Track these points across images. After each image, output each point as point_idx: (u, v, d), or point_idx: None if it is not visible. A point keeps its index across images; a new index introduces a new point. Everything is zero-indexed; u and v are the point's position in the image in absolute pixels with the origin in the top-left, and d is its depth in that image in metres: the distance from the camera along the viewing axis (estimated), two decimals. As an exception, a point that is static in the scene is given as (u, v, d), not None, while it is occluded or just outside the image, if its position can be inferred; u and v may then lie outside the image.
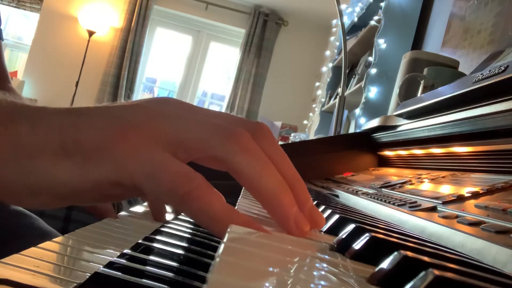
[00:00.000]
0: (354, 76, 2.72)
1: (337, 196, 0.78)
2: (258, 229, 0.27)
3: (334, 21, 3.75)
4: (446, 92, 0.72)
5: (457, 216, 0.42)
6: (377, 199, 0.61)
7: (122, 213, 0.50)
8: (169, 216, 0.51)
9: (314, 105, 4.24)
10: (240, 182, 0.30)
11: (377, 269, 0.22)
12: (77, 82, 4.75)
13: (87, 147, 0.26)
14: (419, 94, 1.04)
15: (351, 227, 0.30)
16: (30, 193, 0.27)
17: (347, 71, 1.92)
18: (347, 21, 2.97)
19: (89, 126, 0.27)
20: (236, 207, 0.39)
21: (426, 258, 0.21)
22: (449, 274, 0.17)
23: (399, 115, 0.94)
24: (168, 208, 0.54)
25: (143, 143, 0.27)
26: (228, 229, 0.25)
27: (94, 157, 0.26)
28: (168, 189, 0.26)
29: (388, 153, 1.04)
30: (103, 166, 0.26)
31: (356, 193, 0.73)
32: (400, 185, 0.68)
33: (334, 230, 0.34)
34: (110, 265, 0.27)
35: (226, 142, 0.28)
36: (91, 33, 4.77)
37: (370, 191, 0.72)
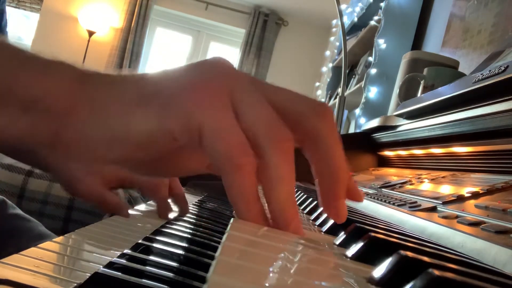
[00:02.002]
0: (354, 76, 2.72)
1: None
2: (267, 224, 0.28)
3: (334, 21, 3.75)
4: (446, 92, 0.72)
5: (457, 216, 0.42)
6: (377, 199, 0.61)
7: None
8: (167, 217, 0.51)
9: (314, 105, 4.23)
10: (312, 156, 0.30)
11: (377, 269, 0.22)
12: (77, 82, 4.75)
13: (164, 96, 0.27)
14: (419, 94, 1.04)
15: (351, 227, 0.30)
16: (107, 145, 0.27)
17: (347, 71, 1.92)
18: (347, 21, 2.97)
19: (168, 78, 0.28)
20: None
21: (426, 258, 0.21)
22: (449, 274, 0.17)
23: (399, 115, 0.94)
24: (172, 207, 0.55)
25: (219, 100, 0.27)
26: (228, 229, 0.25)
27: (171, 105, 0.27)
28: (225, 152, 0.26)
29: (388, 153, 1.04)
30: (178, 113, 0.26)
31: (356, 193, 0.73)
32: (400, 185, 0.68)
33: (334, 230, 0.34)
34: (110, 265, 0.27)
35: (321, 117, 0.29)
36: (91, 33, 4.77)
37: (370, 191, 0.72)
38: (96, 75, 0.29)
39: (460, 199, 0.48)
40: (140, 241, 0.33)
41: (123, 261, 0.28)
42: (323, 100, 3.54)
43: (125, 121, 0.27)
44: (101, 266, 0.27)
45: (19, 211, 0.68)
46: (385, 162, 1.07)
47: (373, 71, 2.03)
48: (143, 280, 0.26)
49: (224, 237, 0.23)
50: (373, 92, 2.04)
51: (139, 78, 0.28)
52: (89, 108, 0.27)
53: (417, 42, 2.04)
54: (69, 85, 0.27)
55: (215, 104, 0.27)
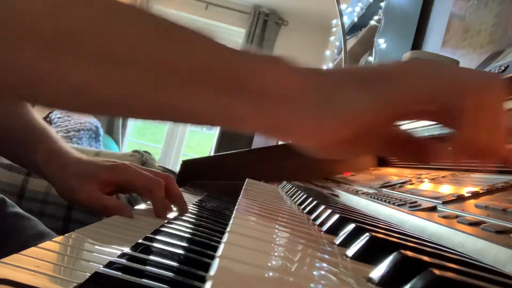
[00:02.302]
0: (354, 76, 2.72)
1: (337, 196, 0.78)
2: None
3: (334, 21, 3.75)
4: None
5: (457, 216, 0.42)
6: (377, 199, 0.61)
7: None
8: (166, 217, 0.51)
9: (314, 105, 4.23)
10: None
11: (377, 268, 0.22)
12: (77, 82, 4.75)
13: (383, 76, 0.30)
14: (419, 94, 1.04)
15: (351, 226, 0.30)
16: (330, 119, 0.29)
17: (347, 71, 1.92)
18: (347, 21, 2.96)
19: (379, 66, 0.32)
20: (236, 207, 0.39)
21: (426, 258, 0.21)
22: (449, 274, 0.17)
23: (399, 115, 0.94)
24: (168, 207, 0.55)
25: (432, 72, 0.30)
26: (228, 229, 0.25)
27: (392, 80, 0.30)
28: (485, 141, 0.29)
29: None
30: (396, 88, 0.29)
31: (356, 193, 0.73)
32: (400, 185, 0.68)
33: (334, 229, 0.34)
34: (110, 265, 0.27)
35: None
36: (91, 33, 4.77)
37: (370, 191, 0.72)
38: (309, 68, 0.32)
39: (460, 199, 0.48)
40: (140, 241, 0.33)
41: (123, 260, 0.28)
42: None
43: (346, 101, 0.29)
44: (101, 266, 0.27)
45: (18, 209, 0.68)
46: (385, 162, 1.07)
47: (373, 71, 2.03)
48: (143, 280, 0.26)
49: (225, 236, 0.23)
50: (373, 92, 2.04)
51: (352, 68, 0.33)
52: (315, 93, 0.30)
53: (417, 42, 2.04)
54: (292, 74, 0.31)
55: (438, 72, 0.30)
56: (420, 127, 0.81)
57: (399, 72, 0.30)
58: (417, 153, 0.34)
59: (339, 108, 0.29)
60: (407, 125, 0.89)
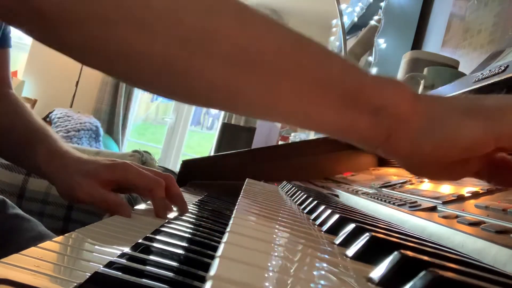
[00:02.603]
0: (354, 76, 2.72)
1: (337, 196, 0.78)
2: None
3: (334, 21, 3.75)
4: (446, 92, 0.72)
5: (457, 216, 0.42)
6: (377, 199, 0.61)
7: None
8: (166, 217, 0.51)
9: (314, 105, 4.23)
10: None
11: (377, 268, 0.22)
12: (77, 82, 4.75)
13: (489, 110, 0.33)
14: (419, 94, 1.04)
15: (351, 226, 0.30)
16: (432, 148, 0.33)
17: (347, 71, 1.91)
18: (347, 21, 2.96)
19: (488, 100, 0.34)
20: (236, 207, 0.39)
21: (426, 258, 0.21)
22: (449, 274, 0.17)
23: (399, 115, 0.94)
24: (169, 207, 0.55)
25: None
26: (228, 229, 0.25)
27: (495, 117, 0.33)
28: None
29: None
30: (502, 123, 0.32)
31: (356, 193, 0.73)
32: (400, 185, 0.68)
33: (334, 229, 0.34)
34: (110, 264, 0.27)
35: None
36: (91, 33, 4.77)
37: (370, 191, 0.72)
38: (423, 94, 0.37)
39: (460, 199, 0.48)
40: (140, 241, 0.33)
41: (123, 260, 0.28)
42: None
43: (455, 129, 0.33)
44: (101, 266, 0.27)
45: (19, 211, 0.68)
46: (385, 162, 1.07)
47: (373, 71, 2.03)
48: (143, 279, 0.26)
49: (225, 236, 0.23)
50: (373, 92, 2.03)
51: (462, 98, 0.36)
52: (426, 117, 0.33)
53: (417, 42, 2.04)
54: (409, 97, 0.34)
55: None
56: None
57: (504, 107, 0.33)
58: None
59: (447, 133, 0.32)
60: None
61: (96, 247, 0.33)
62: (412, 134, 0.33)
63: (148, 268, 0.28)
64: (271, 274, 0.18)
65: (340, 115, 0.33)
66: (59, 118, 3.77)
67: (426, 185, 0.64)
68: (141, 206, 0.57)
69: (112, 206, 0.51)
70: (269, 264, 0.20)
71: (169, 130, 5.17)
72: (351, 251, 0.26)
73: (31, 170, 0.69)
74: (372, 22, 2.28)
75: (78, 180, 0.55)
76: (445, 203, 0.48)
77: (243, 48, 0.31)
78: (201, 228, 0.44)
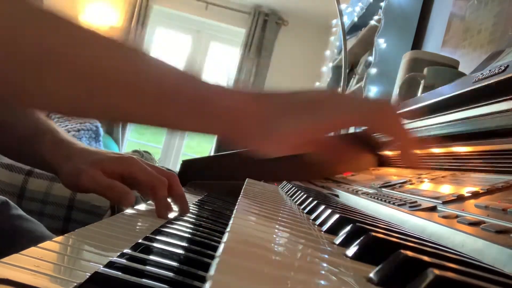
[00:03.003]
0: (354, 76, 2.72)
1: (337, 196, 0.78)
2: None
3: (334, 21, 3.75)
4: (446, 92, 0.72)
5: (457, 216, 0.42)
6: (377, 199, 0.61)
7: (123, 212, 0.50)
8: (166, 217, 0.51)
9: (314, 105, 4.23)
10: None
11: (377, 268, 0.22)
12: (77, 82, 4.74)
13: (313, 103, 0.40)
14: (419, 94, 1.04)
15: (351, 226, 0.30)
16: (275, 139, 0.40)
17: (347, 71, 1.92)
18: (347, 21, 2.96)
19: (309, 93, 0.42)
20: (236, 207, 0.39)
21: (426, 258, 0.21)
22: (449, 274, 0.17)
23: (399, 115, 0.94)
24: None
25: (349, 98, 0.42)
26: (228, 229, 0.25)
27: (319, 108, 0.40)
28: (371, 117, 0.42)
29: (388, 152, 1.04)
30: (321, 113, 0.39)
31: (356, 193, 0.73)
32: (400, 185, 0.68)
33: (334, 229, 0.34)
34: (110, 264, 0.27)
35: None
36: (91, 33, 4.77)
37: (370, 191, 0.72)
38: (262, 92, 0.42)
39: (460, 198, 0.48)
40: (140, 241, 0.33)
41: (123, 260, 0.28)
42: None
43: (286, 123, 0.39)
44: (101, 266, 0.27)
45: (21, 212, 0.68)
46: (385, 162, 1.07)
47: (373, 70, 2.03)
48: (143, 279, 0.26)
49: (225, 236, 0.23)
50: (373, 91, 2.04)
51: (288, 96, 0.42)
52: (256, 119, 0.40)
53: (417, 42, 2.04)
54: (244, 102, 0.40)
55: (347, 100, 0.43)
56: (420, 126, 0.81)
57: (322, 100, 0.41)
58: (343, 152, 0.49)
59: (279, 129, 0.39)
60: (408, 125, 0.89)
61: (96, 247, 0.33)
62: (247, 132, 0.40)
63: (148, 268, 0.28)
64: (271, 274, 0.18)
65: (192, 120, 0.40)
66: (59, 118, 3.77)
67: (426, 185, 0.64)
68: (141, 206, 0.57)
69: (117, 193, 0.52)
70: (269, 264, 0.20)
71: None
72: (351, 251, 0.26)
73: (35, 164, 0.69)
74: (372, 22, 2.28)
75: (83, 167, 0.55)
76: (445, 203, 0.48)
77: (87, 67, 0.36)
78: (201, 228, 0.44)
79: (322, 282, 0.19)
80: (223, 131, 0.41)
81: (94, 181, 0.54)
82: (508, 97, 0.55)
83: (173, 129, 0.42)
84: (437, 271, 0.17)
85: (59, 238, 0.32)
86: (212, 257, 0.29)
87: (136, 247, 0.32)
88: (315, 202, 0.47)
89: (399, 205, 0.54)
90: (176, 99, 0.39)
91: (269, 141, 0.40)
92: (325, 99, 0.41)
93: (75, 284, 0.24)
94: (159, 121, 0.41)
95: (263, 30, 5.05)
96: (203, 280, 0.26)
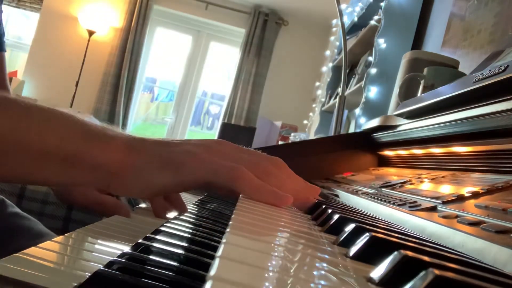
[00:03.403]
0: (354, 76, 2.72)
1: (337, 195, 0.78)
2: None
3: (334, 21, 3.75)
4: (446, 92, 0.72)
5: (457, 216, 0.42)
6: (377, 199, 0.61)
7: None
8: (167, 217, 0.51)
9: (314, 105, 4.24)
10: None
11: (377, 268, 0.22)
12: (77, 82, 4.75)
13: (176, 163, 0.43)
14: (419, 94, 1.04)
15: (351, 226, 0.30)
16: (140, 191, 0.44)
17: (347, 71, 1.92)
18: (347, 21, 2.97)
19: (175, 151, 0.44)
20: (236, 207, 0.39)
21: (426, 258, 0.21)
22: (449, 274, 0.17)
23: (399, 115, 0.94)
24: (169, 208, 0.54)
25: (207, 160, 0.44)
26: (228, 229, 0.25)
27: (178, 168, 0.43)
28: (223, 177, 0.42)
29: (388, 153, 1.04)
30: (184, 172, 0.43)
31: (356, 193, 0.73)
32: (400, 185, 0.68)
33: (334, 229, 0.34)
34: (110, 265, 0.27)
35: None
36: (91, 33, 4.77)
37: (370, 191, 0.72)
38: (137, 143, 0.45)
39: (460, 198, 0.48)
40: (140, 241, 0.33)
41: (123, 260, 0.28)
42: (323, 100, 3.55)
43: (152, 178, 0.43)
44: (101, 266, 0.27)
45: (17, 210, 0.68)
46: (385, 162, 1.07)
47: (373, 70, 2.03)
48: (143, 279, 0.26)
49: (225, 236, 0.23)
50: (373, 91, 2.04)
51: (164, 146, 0.45)
52: (132, 172, 0.43)
53: (417, 41, 2.04)
54: (120, 155, 0.43)
55: (206, 161, 0.44)
56: (420, 127, 0.81)
57: (185, 158, 0.43)
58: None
59: (145, 182, 0.43)
60: (408, 125, 0.89)
61: (96, 247, 0.33)
62: (123, 183, 0.43)
63: (148, 268, 0.28)
64: (271, 274, 0.18)
65: (62, 177, 0.42)
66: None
67: (426, 185, 0.64)
68: (141, 206, 0.57)
69: (110, 209, 0.52)
70: (269, 264, 0.20)
71: (169, 130, 5.17)
72: (351, 251, 0.26)
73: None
74: (372, 22, 2.28)
75: None
76: (445, 203, 0.48)
77: None
78: (201, 228, 0.44)
79: (322, 282, 0.19)
80: (99, 182, 0.43)
81: (85, 199, 0.55)
82: (508, 97, 0.55)
83: (49, 185, 0.46)
84: (437, 271, 0.17)
85: (59, 238, 0.32)
86: (212, 257, 0.29)
87: (136, 247, 0.32)
88: (315, 202, 0.47)
89: (399, 205, 0.54)
90: (50, 158, 0.41)
91: (139, 188, 0.43)
92: (190, 158, 0.43)
93: (75, 284, 0.24)
94: (32, 179, 0.44)
95: (263, 30, 5.05)
96: (203, 280, 0.26)
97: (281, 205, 0.43)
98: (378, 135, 1.05)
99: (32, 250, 0.27)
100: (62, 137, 0.41)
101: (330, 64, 3.50)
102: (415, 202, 0.52)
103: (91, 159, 0.42)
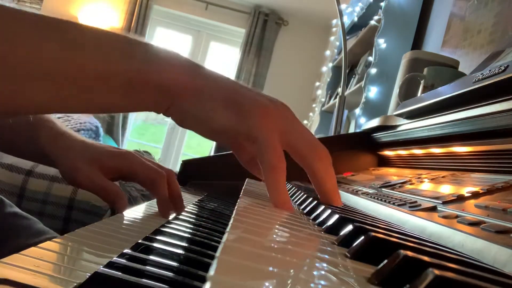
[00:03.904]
0: (354, 76, 2.72)
1: (337, 196, 0.78)
2: None
3: (334, 21, 3.75)
4: (446, 92, 0.72)
5: (457, 216, 0.42)
6: (377, 199, 0.61)
7: (122, 213, 0.50)
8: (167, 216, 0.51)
9: (314, 105, 4.24)
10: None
11: (377, 268, 0.22)
12: (77, 82, 4.75)
13: (243, 108, 0.40)
14: (419, 94, 1.04)
15: (351, 226, 0.30)
16: (196, 122, 0.42)
17: (347, 71, 1.92)
18: (347, 21, 2.97)
19: (245, 95, 0.41)
20: (236, 207, 0.39)
21: (426, 258, 0.21)
22: (449, 274, 0.17)
23: (399, 115, 0.94)
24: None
25: (271, 121, 0.41)
26: (228, 229, 0.25)
27: (243, 114, 0.40)
28: (267, 151, 0.40)
29: (388, 153, 1.04)
30: (246, 121, 0.40)
31: (356, 193, 0.73)
32: (400, 185, 0.68)
33: (334, 229, 0.34)
34: (110, 265, 0.27)
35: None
36: (91, 33, 4.77)
37: (370, 191, 0.72)
38: (202, 69, 0.42)
39: (460, 199, 0.48)
40: (140, 241, 0.33)
41: (123, 260, 0.28)
42: (323, 100, 3.55)
43: (212, 113, 0.40)
44: (101, 266, 0.27)
45: (16, 209, 0.68)
46: (385, 162, 1.07)
47: (373, 71, 2.03)
48: (143, 279, 0.26)
49: (225, 236, 0.23)
50: (373, 92, 2.04)
51: (232, 84, 0.42)
52: (195, 96, 0.40)
53: (417, 42, 2.04)
54: (185, 77, 0.40)
55: (268, 123, 0.41)
56: (420, 127, 0.81)
57: (254, 108, 0.41)
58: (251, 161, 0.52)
59: (205, 115, 0.41)
60: (408, 125, 0.89)
61: (96, 246, 0.33)
62: (183, 109, 0.41)
63: (148, 268, 0.28)
64: (271, 274, 0.18)
65: (126, 100, 0.39)
66: (59, 118, 3.77)
67: (426, 185, 0.64)
68: (141, 206, 0.57)
69: (110, 195, 0.52)
70: (269, 264, 0.20)
71: (169, 130, 5.17)
72: (351, 251, 0.26)
73: (35, 157, 0.69)
74: (372, 22, 2.28)
75: (80, 165, 0.55)
76: (445, 203, 0.48)
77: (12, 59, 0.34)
78: (201, 228, 0.44)
79: (322, 282, 0.19)
80: (158, 105, 0.41)
81: (90, 181, 0.55)
82: (508, 97, 0.55)
83: (107, 112, 0.42)
84: (437, 271, 0.17)
85: (59, 238, 0.32)
86: (212, 257, 0.29)
87: (136, 247, 0.32)
88: (315, 202, 0.47)
89: (399, 205, 0.54)
90: (109, 83, 0.38)
91: (197, 119, 0.41)
92: (259, 109, 0.41)
93: (75, 284, 0.24)
94: (92, 108, 0.40)
95: (263, 30, 5.05)
96: (203, 280, 0.26)
97: (281, 208, 0.41)
98: (378, 135, 1.05)
99: (32, 250, 0.27)
100: (124, 57, 0.38)
101: (330, 64, 3.50)
102: (415, 202, 0.52)
103: (156, 79, 0.39)
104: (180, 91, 0.40)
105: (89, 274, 0.25)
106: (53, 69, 0.35)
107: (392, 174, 0.86)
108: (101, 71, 0.37)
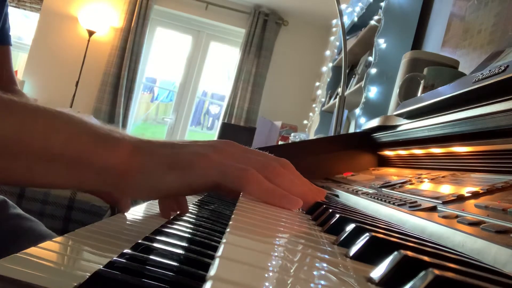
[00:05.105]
0: (354, 76, 2.72)
1: (337, 196, 0.78)
2: None
3: (334, 21, 3.75)
4: (446, 92, 0.72)
5: (457, 216, 0.42)
6: (377, 199, 0.61)
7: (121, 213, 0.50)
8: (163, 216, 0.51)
9: (314, 105, 4.24)
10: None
11: (377, 268, 0.22)
12: (77, 82, 4.75)
13: (184, 164, 0.43)
14: (419, 94, 1.04)
15: (351, 226, 0.30)
16: (148, 193, 0.44)
17: (347, 71, 1.92)
18: (347, 21, 2.97)
19: (184, 153, 0.44)
20: (236, 207, 0.39)
21: (426, 258, 0.21)
22: (449, 274, 0.17)
23: (399, 115, 0.94)
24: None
25: (217, 161, 0.43)
26: (228, 229, 0.25)
27: (187, 170, 0.43)
28: (233, 179, 0.42)
29: (388, 153, 1.04)
30: (194, 172, 0.43)
31: (356, 193, 0.73)
32: (400, 185, 0.68)
33: (334, 229, 0.34)
34: (110, 265, 0.27)
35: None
36: (91, 33, 4.77)
37: (370, 191, 0.72)
38: (145, 144, 0.44)
39: (460, 199, 0.48)
40: (140, 241, 0.33)
41: (123, 260, 0.28)
42: (323, 100, 3.55)
43: (161, 180, 0.43)
44: (101, 266, 0.27)
45: (20, 211, 0.68)
46: (385, 162, 1.07)
47: (373, 71, 2.03)
48: (143, 280, 0.26)
49: (225, 236, 0.23)
50: (373, 92, 2.04)
51: (170, 147, 0.45)
52: (140, 173, 0.43)
53: (417, 42, 2.04)
54: (128, 157, 0.42)
55: (216, 162, 0.43)
56: (420, 127, 0.81)
57: (193, 159, 0.43)
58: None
59: (154, 184, 0.43)
60: (408, 125, 0.89)
61: (96, 247, 0.33)
62: (131, 185, 0.43)
63: (148, 268, 0.28)
64: (271, 274, 0.18)
65: (68, 180, 0.41)
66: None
67: (426, 185, 0.64)
68: (141, 206, 0.57)
69: (114, 197, 0.52)
70: (269, 264, 0.20)
71: (169, 130, 5.17)
72: (351, 251, 0.26)
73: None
74: (372, 22, 2.28)
75: None
76: (445, 203, 0.48)
77: None
78: (201, 228, 0.44)
79: (322, 282, 0.19)
80: (107, 184, 0.42)
81: None
82: (508, 97, 0.55)
83: (55, 188, 0.44)
84: (437, 271, 0.17)
85: (59, 238, 0.32)
86: (212, 257, 0.29)
87: (136, 247, 0.32)
88: (315, 202, 0.47)
89: (399, 205, 0.54)
90: (57, 161, 0.40)
91: (147, 190, 0.43)
92: (199, 159, 0.43)
93: (75, 284, 0.24)
94: (38, 183, 0.42)
95: (263, 30, 5.05)
96: (203, 280, 0.26)
97: (292, 208, 0.42)
98: (378, 135, 1.05)
99: (32, 250, 0.27)
100: (68, 139, 0.40)
101: (330, 64, 3.50)
102: (415, 202, 0.52)
103: (99, 161, 0.41)
104: (124, 171, 0.42)
105: (89, 274, 0.25)
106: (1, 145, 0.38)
107: (392, 174, 0.86)
108: (43, 152, 0.39)
